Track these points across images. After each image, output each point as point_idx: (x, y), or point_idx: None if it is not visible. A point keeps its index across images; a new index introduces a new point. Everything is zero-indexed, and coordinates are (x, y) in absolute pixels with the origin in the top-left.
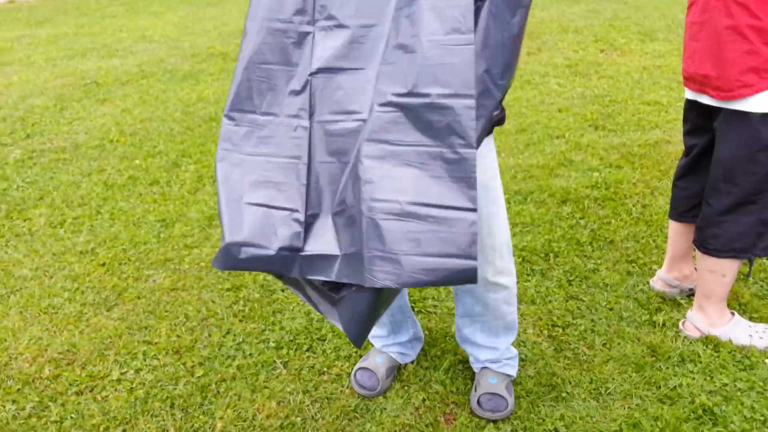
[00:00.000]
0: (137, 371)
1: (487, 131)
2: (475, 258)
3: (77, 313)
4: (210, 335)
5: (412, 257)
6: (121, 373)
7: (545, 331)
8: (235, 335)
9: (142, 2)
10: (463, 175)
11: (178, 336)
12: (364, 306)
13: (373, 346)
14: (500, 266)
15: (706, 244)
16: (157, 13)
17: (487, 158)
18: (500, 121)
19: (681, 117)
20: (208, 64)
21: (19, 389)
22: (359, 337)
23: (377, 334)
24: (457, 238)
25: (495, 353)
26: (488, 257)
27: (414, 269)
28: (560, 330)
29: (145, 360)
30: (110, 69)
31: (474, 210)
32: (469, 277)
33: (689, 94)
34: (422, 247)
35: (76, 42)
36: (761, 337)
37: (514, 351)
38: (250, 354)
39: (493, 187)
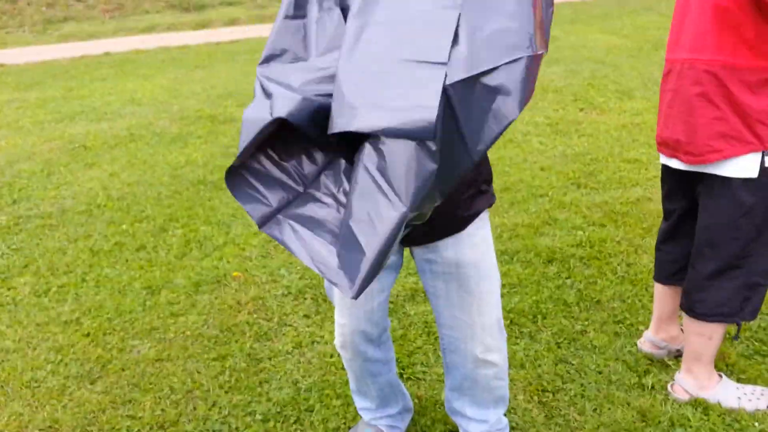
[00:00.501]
0: None
1: (477, 213)
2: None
3: (60, 387)
4: (195, 408)
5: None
6: None
7: (535, 397)
8: (221, 408)
9: (131, 65)
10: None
11: (162, 410)
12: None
13: (361, 418)
14: (490, 344)
15: (693, 308)
16: (146, 75)
17: (476, 236)
18: (492, 200)
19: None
20: (197, 127)
21: None
22: (359, 288)
23: (365, 407)
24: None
25: (485, 426)
26: (478, 336)
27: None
28: (550, 395)
29: None
30: (98, 133)
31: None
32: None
33: (663, 159)
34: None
35: (64, 105)
36: (750, 400)
37: (505, 421)
38: (236, 428)
39: (486, 265)
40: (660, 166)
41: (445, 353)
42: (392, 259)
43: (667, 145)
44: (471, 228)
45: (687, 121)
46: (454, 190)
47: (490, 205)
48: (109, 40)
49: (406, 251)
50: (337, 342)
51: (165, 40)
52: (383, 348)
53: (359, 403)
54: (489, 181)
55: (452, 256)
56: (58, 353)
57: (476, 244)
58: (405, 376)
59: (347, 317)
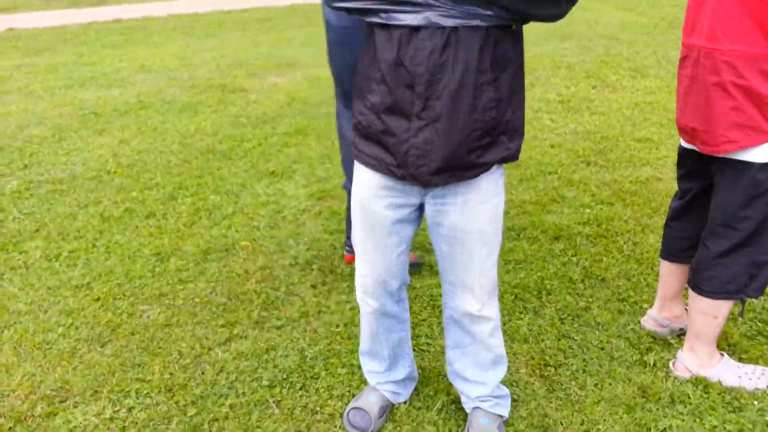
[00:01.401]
0: (130, 410)
1: (487, 165)
2: None
3: (71, 349)
4: (203, 373)
5: None
6: (114, 412)
7: (537, 371)
8: (228, 373)
9: (142, 32)
10: None
11: (171, 373)
12: None
13: (366, 384)
14: (486, 301)
15: (701, 285)
16: (157, 43)
17: (489, 203)
18: (514, 156)
19: (671, 154)
20: (207, 96)
21: (10, 428)
22: None
23: (373, 369)
24: None
25: (485, 389)
26: (476, 294)
27: None
28: (552, 369)
29: (137, 398)
30: (109, 99)
31: None
32: None
33: (684, 143)
34: None
35: (75, 71)
36: (750, 379)
37: (506, 390)
38: (243, 393)
39: (491, 231)
40: (669, 146)
41: (445, 308)
42: (411, 212)
43: (685, 132)
44: (483, 186)
45: (704, 111)
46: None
47: (504, 161)
48: (119, 7)
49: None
50: (357, 292)
51: (176, 8)
52: (401, 305)
53: (368, 365)
54: (510, 135)
55: (459, 221)
56: (69, 316)
57: (485, 211)
58: None
59: (369, 268)
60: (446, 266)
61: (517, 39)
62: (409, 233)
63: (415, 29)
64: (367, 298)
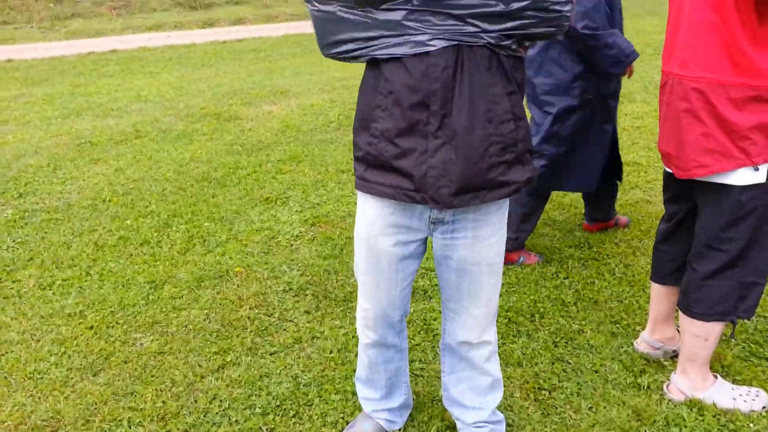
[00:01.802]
0: None
1: (509, 185)
2: None
3: (63, 378)
4: (196, 401)
5: None
6: None
7: (532, 395)
8: (221, 401)
9: (138, 62)
10: None
11: (163, 402)
12: None
13: (361, 411)
14: (487, 328)
15: (690, 307)
16: (153, 73)
17: (496, 236)
18: (531, 180)
19: (659, 177)
20: (202, 124)
21: None
22: None
23: (369, 397)
24: None
25: (482, 414)
26: (479, 322)
27: None
28: (547, 393)
29: (130, 427)
30: (105, 128)
31: None
32: None
33: (666, 167)
34: None
35: (71, 101)
36: (745, 401)
37: (501, 416)
38: (236, 420)
39: (497, 263)
40: (658, 170)
41: (444, 334)
42: (417, 247)
43: (663, 156)
44: (492, 220)
45: (676, 136)
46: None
47: (528, 182)
48: (116, 38)
49: (429, 242)
50: (358, 324)
51: (172, 39)
52: (401, 336)
53: (363, 392)
54: (532, 152)
55: (469, 256)
56: (62, 345)
57: (493, 245)
58: None
59: (371, 302)
60: (452, 295)
61: (521, 59)
62: (415, 267)
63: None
64: (368, 331)
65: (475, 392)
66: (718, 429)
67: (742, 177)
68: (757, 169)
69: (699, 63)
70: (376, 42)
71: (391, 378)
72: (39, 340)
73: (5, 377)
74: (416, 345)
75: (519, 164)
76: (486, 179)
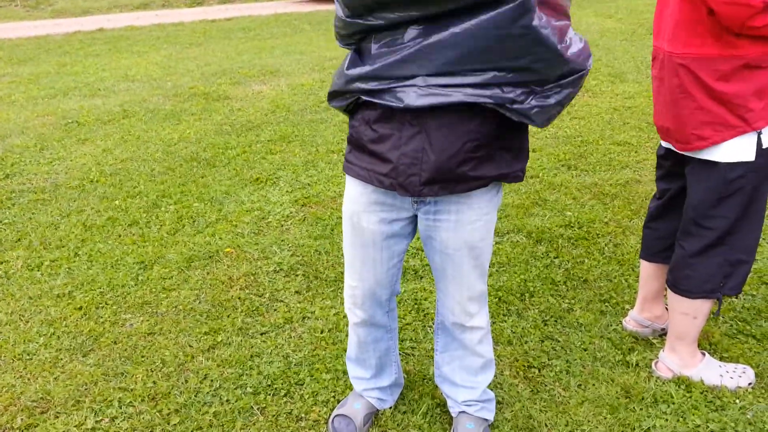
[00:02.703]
0: (113, 419)
1: (482, 180)
2: None
3: (52, 359)
4: (187, 381)
5: None
6: (96, 422)
7: (521, 373)
8: (212, 381)
9: (126, 42)
10: None
11: (154, 382)
12: None
13: (352, 390)
14: (476, 312)
15: (678, 285)
16: (141, 52)
17: (481, 221)
18: (516, 176)
19: (650, 157)
20: (191, 104)
21: None
22: None
23: (360, 376)
24: None
25: (473, 393)
26: (465, 307)
27: None
28: (536, 371)
29: (120, 407)
30: (92, 108)
31: None
32: None
33: (664, 143)
34: None
35: (58, 81)
36: (731, 378)
37: (491, 394)
38: (227, 400)
39: (482, 246)
40: (648, 149)
41: (437, 313)
42: (404, 226)
43: (661, 131)
44: (476, 204)
45: (672, 111)
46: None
47: (502, 177)
48: (103, 16)
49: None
50: (346, 303)
51: (160, 18)
52: (390, 315)
53: (354, 371)
54: (509, 150)
55: (450, 239)
56: (51, 326)
57: (477, 229)
58: None
59: (357, 280)
60: (438, 276)
61: None
62: (402, 247)
63: None
64: (355, 310)
65: (466, 371)
66: (705, 405)
67: (729, 152)
68: (761, 133)
69: (682, 39)
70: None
71: (380, 357)
72: (27, 321)
73: None
74: (407, 324)
75: (490, 161)
76: (456, 173)
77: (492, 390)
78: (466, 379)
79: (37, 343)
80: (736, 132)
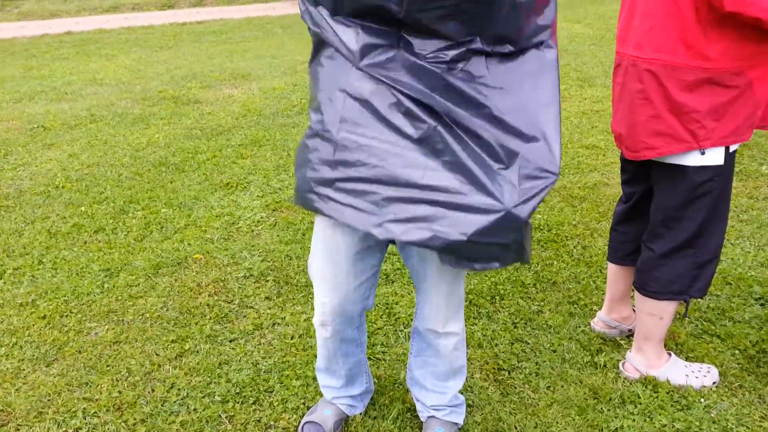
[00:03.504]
0: (77, 430)
1: None
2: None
3: (15, 370)
4: (153, 390)
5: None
6: None
7: (491, 375)
8: (179, 389)
9: (94, 45)
10: None
11: (119, 392)
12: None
13: (321, 397)
14: (452, 318)
15: (646, 286)
16: (109, 56)
17: None
18: None
19: (617, 160)
20: (160, 108)
21: None
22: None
23: (329, 384)
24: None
25: (442, 398)
26: (443, 312)
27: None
28: (506, 374)
29: (85, 418)
30: (58, 113)
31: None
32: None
33: (618, 147)
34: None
35: (23, 85)
36: (697, 377)
37: (461, 398)
38: (195, 409)
39: None
40: (616, 153)
41: (415, 317)
42: (376, 239)
43: (615, 137)
44: None
45: (628, 117)
46: None
47: None
48: (71, 19)
49: None
50: (316, 320)
51: (129, 21)
52: (360, 329)
53: (324, 381)
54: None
55: None
56: (13, 336)
57: None
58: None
59: (329, 296)
60: (416, 280)
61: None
62: (375, 260)
63: None
64: (326, 326)
65: (437, 377)
66: (672, 405)
67: (696, 158)
68: (703, 153)
69: (653, 45)
70: None
71: (351, 369)
72: None
73: None
74: (378, 329)
75: None
76: None
77: (462, 393)
78: (437, 384)
79: None
80: (683, 147)
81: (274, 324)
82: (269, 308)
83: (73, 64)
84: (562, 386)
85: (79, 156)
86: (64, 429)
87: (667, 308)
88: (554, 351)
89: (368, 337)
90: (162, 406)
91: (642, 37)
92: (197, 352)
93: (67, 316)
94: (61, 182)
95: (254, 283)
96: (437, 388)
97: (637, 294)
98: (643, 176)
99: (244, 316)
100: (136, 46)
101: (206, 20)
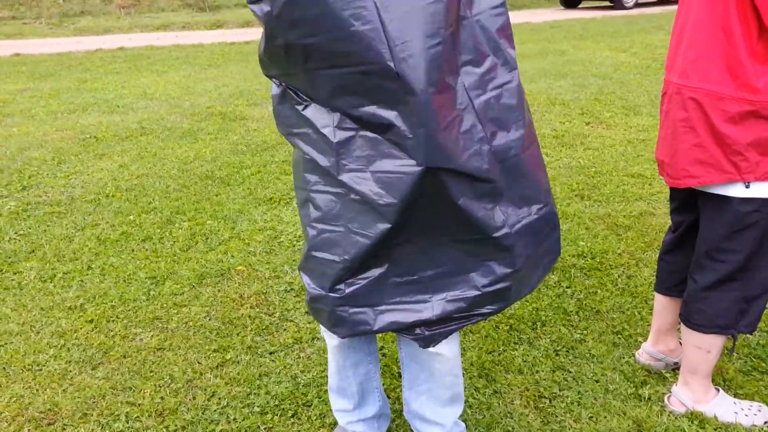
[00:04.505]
0: None
1: None
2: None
3: (62, 371)
4: (194, 398)
5: None
6: None
7: (532, 403)
8: (219, 398)
9: (145, 61)
10: None
11: (162, 398)
12: None
13: (337, 424)
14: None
15: (691, 319)
16: (160, 71)
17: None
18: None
19: (664, 190)
20: (207, 123)
21: None
22: None
23: (342, 408)
24: None
25: (442, 429)
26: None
27: None
28: (547, 402)
29: (127, 422)
30: (110, 124)
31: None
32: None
33: (660, 175)
34: None
35: (77, 97)
36: (746, 415)
37: (462, 426)
38: (234, 419)
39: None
40: (661, 182)
41: (400, 345)
42: None
43: (658, 164)
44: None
45: (671, 145)
46: None
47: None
48: (123, 36)
49: None
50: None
51: (179, 38)
52: (369, 337)
53: (336, 404)
54: None
55: None
56: (61, 338)
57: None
58: None
59: None
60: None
61: None
62: None
63: None
64: (330, 337)
65: (434, 403)
66: None
67: (740, 190)
68: (747, 186)
69: (699, 73)
70: None
71: (361, 383)
72: (38, 332)
73: (3, 368)
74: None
75: None
76: None
77: (501, 419)
78: (435, 413)
79: (47, 354)
80: (725, 177)
81: (313, 338)
82: (309, 322)
83: (125, 78)
84: (605, 417)
85: (129, 167)
86: (107, 431)
87: (715, 342)
88: (597, 381)
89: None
90: (203, 414)
91: (688, 65)
92: (238, 362)
93: (113, 321)
94: (111, 191)
95: (295, 297)
96: (436, 418)
97: (683, 326)
98: (691, 205)
99: (285, 329)
100: (186, 63)
101: (253, 40)
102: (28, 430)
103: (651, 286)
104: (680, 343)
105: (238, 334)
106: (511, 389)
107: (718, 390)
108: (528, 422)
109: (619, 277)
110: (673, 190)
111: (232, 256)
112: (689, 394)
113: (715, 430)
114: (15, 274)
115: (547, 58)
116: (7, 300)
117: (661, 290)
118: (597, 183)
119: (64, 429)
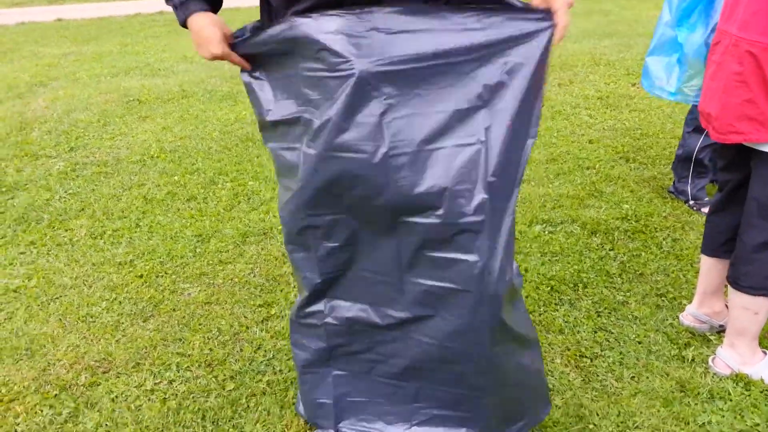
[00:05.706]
0: (170, 382)
1: None
2: None
3: (114, 323)
4: (241, 350)
5: None
6: (155, 384)
7: (573, 361)
8: (265, 351)
9: None
10: None
11: (210, 349)
12: None
13: None
14: None
15: (738, 280)
16: None
17: None
18: None
19: None
20: None
21: (56, 395)
22: None
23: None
24: None
25: None
26: None
27: None
28: (588, 361)
29: (178, 371)
30: (152, 87)
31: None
32: None
33: (704, 128)
34: None
35: (120, 60)
36: None
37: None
38: (280, 370)
39: None
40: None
41: None
42: None
43: (702, 116)
44: None
45: (721, 98)
46: None
47: None
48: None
49: None
50: None
51: None
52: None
53: None
54: None
55: None
56: (113, 292)
57: None
58: None
59: None
60: None
61: None
62: None
63: None
64: None
65: None
66: (766, 405)
67: None
68: None
69: (759, 27)
70: None
71: None
72: (91, 286)
73: (60, 319)
74: None
75: None
76: None
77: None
78: None
79: (99, 307)
80: None
81: None
82: None
83: (165, 42)
84: (647, 377)
85: (172, 129)
86: (159, 380)
87: (763, 304)
88: (639, 342)
89: None
90: (249, 365)
91: (750, 17)
92: (282, 317)
93: (162, 276)
94: (155, 152)
95: None
96: None
97: (730, 288)
98: (740, 163)
99: None
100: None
101: None
102: (85, 377)
103: (697, 249)
104: (726, 306)
105: (281, 291)
106: (552, 348)
107: (765, 353)
108: (569, 380)
109: (664, 239)
110: (722, 148)
111: (274, 216)
112: (735, 356)
113: (762, 392)
114: (66, 231)
115: (591, 18)
116: (60, 255)
117: (708, 252)
118: (643, 145)
119: (119, 377)
